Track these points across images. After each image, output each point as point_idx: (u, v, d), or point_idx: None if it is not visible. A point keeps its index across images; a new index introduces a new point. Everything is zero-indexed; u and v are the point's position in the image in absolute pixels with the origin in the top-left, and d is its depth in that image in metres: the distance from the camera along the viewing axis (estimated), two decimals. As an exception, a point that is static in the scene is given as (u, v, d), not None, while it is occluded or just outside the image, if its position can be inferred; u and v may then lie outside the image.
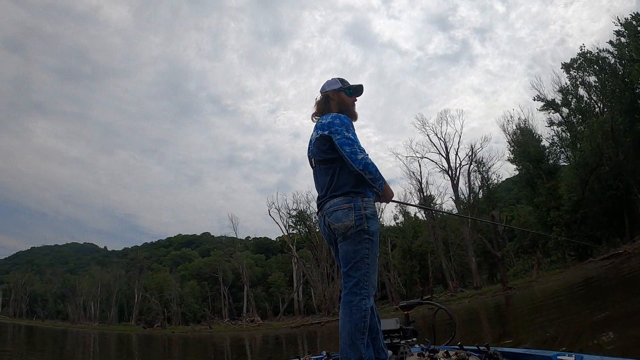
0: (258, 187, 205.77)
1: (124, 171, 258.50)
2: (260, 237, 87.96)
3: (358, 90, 3.32)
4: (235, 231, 59.63)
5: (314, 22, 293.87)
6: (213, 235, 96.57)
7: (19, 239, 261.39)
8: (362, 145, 2.86)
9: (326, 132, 2.93)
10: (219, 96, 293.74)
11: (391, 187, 3.05)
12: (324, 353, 3.60)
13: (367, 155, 2.82)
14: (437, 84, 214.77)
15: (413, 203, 51.20)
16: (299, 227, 55.25)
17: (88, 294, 78.42)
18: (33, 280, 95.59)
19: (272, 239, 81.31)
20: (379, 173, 2.84)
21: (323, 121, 3.02)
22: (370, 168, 2.78)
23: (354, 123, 3.10)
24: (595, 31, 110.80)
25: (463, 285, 43.44)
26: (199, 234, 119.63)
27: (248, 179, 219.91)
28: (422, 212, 47.09)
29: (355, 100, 3.32)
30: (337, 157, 2.91)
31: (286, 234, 53.72)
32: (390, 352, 3.11)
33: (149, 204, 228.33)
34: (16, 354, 20.31)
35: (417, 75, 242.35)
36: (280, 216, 50.96)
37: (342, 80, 3.28)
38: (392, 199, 3.12)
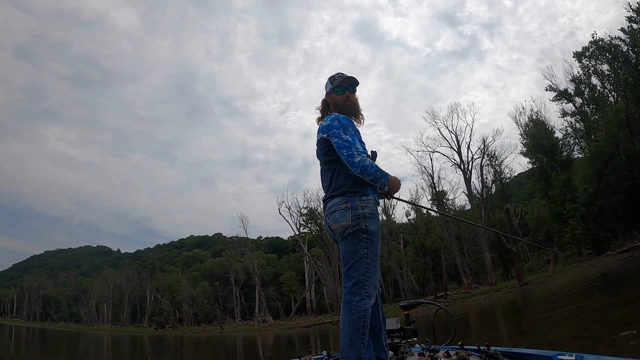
0: (270, 187, 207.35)
1: (136, 175, 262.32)
2: (272, 237, 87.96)
3: (351, 83, 3.22)
4: (246, 231, 59.62)
5: (322, 22, 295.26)
6: (225, 236, 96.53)
7: (34, 244, 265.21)
8: (359, 147, 2.85)
9: (325, 135, 2.94)
10: (228, 98, 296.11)
11: (403, 184, 2.79)
12: (325, 353, 3.61)
13: (365, 156, 2.81)
14: (447, 81, 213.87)
15: (418, 203, 50.53)
16: (310, 225, 54.80)
17: (100, 296, 79.09)
18: (46, 283, 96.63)
19: (284, 239, 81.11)
20: (379, 172, 2.78)
21: (323, 124, 3.02)
22: (368, 170, 2.75)
23: (364, 113, 3.24)
24: (603, 23, 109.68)
25: (477, 282, 42.79)
26: (210, 234, 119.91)
27: (260, 180, 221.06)
28: (435, 207, 46.43)
29: (351, 93, 3.22)
30: (337, 159, 2.89)
31: (297, 232, 53.41)
32: (391, 353, 3.09)
33: (162, 207, 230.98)
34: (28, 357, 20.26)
35: (426, 72, 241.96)
36: (291, 215, 50.68)
37: (332, 79, 3.23)
38: (399, 189, 3.01)
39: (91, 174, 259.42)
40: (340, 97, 3.18)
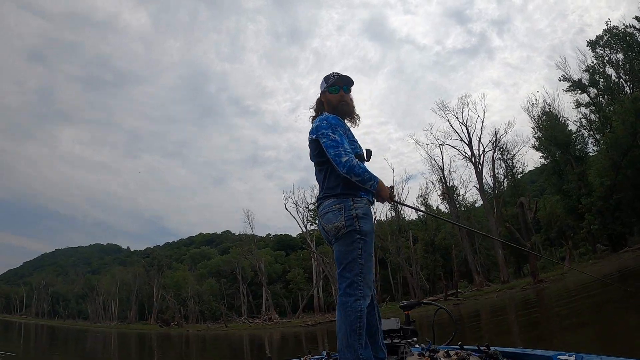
0: (281, 185, 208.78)
1: (149, 174, 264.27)
2: (281, 234, 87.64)
3: (346, 82, 3.18)
4: (252, 227, 59.21)
5: (331, 21, 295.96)
6: (234, 233, 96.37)
7: (46, 242, 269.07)
8: (347, 147, 2.81)
9: (314, 136, 2.94)
10: (239, 97, 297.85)
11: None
12: (324, 353, 3.63)
13: (353, 157, 2.77)
14: (457, 78, 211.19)
15: (427, 198, 49.80)
16: (317, 222, 53.98)
17: (108, 293, 79.41)
18: (55, 281, 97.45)
19: (293, 236, 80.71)
20: (368, 173, 2.76)
21: (313, 124, 3.04)
22: (355, 170, 2.71)
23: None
24: (614, 19, 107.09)
25: (489, 279, 41.77)
26: (219, 232, 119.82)
27: (271, 178, 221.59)
28: (445, 203, 45.54)
29: (345, 93, 3.18)
30: (328, 160, 2.86)
31: (304, 229, 52.76)
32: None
33: (175, 206, 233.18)
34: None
35: (437, 69, 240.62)
36: (298, 211, 50.08)
37: (327, 79, 3.19)
38: (388, 196, 2.92)
39: (105, 174, 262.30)
40: (334, 96, 3.15)
